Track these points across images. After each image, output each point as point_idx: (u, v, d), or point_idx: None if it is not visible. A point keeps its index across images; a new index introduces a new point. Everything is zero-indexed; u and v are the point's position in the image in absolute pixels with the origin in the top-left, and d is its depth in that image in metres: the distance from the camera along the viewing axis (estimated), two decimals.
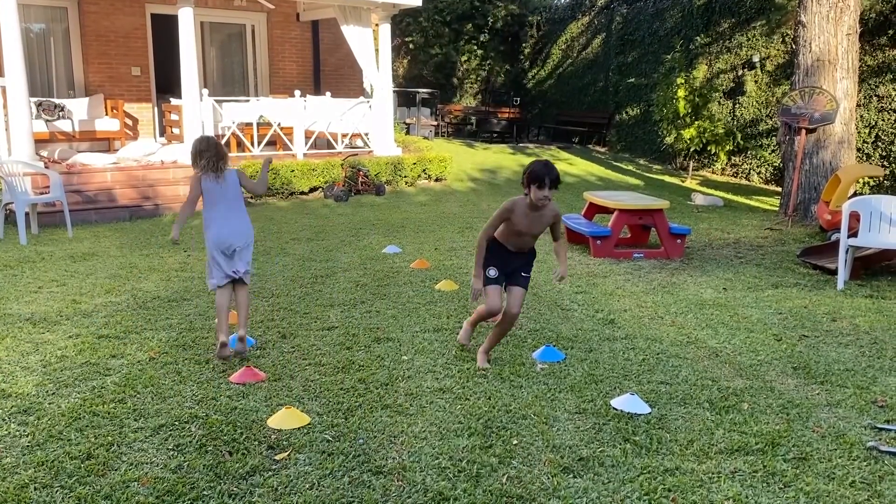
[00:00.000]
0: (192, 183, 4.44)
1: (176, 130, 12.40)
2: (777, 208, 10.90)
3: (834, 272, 6.68)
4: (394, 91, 15.01)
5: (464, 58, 21.28)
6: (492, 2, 20.84)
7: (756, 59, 14.17)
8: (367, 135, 13.21)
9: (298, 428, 3.49)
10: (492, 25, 20.93)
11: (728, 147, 13.80)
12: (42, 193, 8.89)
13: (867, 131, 12.07)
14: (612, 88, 18.10)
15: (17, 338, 4.74)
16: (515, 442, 3.40)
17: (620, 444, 3.40)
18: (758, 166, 14.33)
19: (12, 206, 8.30)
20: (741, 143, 13.95)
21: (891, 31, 11.87)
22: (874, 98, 12.04)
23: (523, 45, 21.55)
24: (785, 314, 5.60)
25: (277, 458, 3.22)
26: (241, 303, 4.52)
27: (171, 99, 12.64)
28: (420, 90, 19.08)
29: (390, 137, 13.31)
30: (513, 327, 4.53)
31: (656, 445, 3.39)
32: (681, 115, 13.73)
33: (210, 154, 4.39)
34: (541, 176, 3.94)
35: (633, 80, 17.34)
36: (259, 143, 11.83)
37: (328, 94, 12.87)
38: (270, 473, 3.09)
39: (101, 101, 12.35)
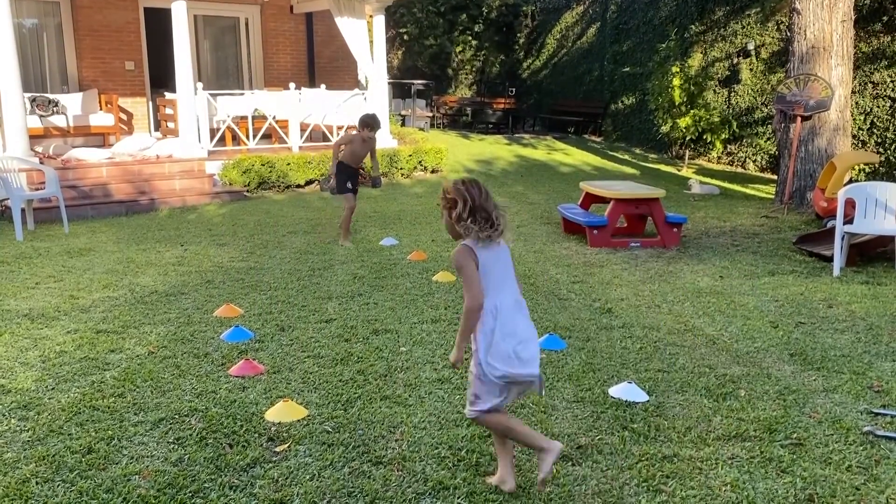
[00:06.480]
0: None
1: (171, 125, 12.36)
2: (773, 196, 10.92)
3: (830, 259, 6.70)
4: (389, 83, 14.95)
5: (458, 48, 21.22)
6: None
7: (751, 46, 14.16)
8: None
9: (297, 420, 3.51)
10: (486, 16, 20.86)
11: (724, 135, 13.80)
12: (37, 189, 8.87)
13: (862, 118, 12.08)
14: (608, 78, 18.07)
15: (16, 334, 4.74)
16: None
17: (619, 431, 3.42)
18: (753, 154, 14.34)
19: (8, 203, 8.28)
20: (737, 131, 13.95)
21: (885, 18, 11.86)
22: (869, 85, 12.04)
23: (518, 35, 21.49)
24: (781, 301, 5.62)
25: (278, 449, 3.24)
26: None
27: (166, 93, 12.60)
28: (415, 81, 19.01)
29: (386, 129, 13.28)
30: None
31: (654, 433, 3.41)
32: (676, 103, 13.71)
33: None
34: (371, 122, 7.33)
35: (628, 69, 17.31)
36: (254, 137, 11.80)
37: (323, 86, 12.83)
38: (271, 465, 3.11)
39: (95, 96, 12.30)
